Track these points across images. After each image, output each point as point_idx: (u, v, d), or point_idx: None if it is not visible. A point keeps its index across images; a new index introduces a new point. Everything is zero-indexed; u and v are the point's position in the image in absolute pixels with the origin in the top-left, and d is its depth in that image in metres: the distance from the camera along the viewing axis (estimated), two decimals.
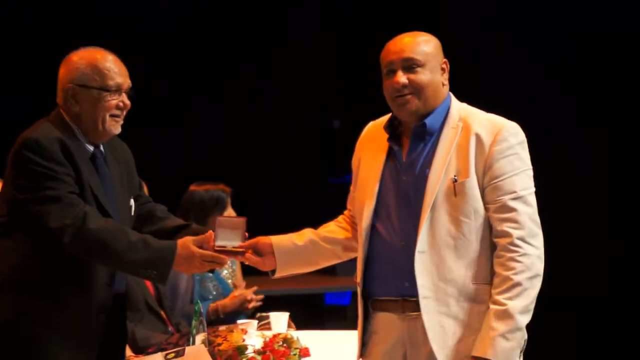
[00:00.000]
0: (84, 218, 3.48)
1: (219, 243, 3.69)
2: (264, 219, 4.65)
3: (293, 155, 8.84)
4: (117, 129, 3.70)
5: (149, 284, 4.95)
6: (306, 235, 3.81)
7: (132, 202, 3.81)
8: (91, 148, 3.69)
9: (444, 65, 3.59)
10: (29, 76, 7.50)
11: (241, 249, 3.71)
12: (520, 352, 3.43)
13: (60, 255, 3.52)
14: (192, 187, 5.60)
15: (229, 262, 5.61)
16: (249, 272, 5.72)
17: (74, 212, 3.49)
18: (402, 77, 3.51)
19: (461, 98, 3.64)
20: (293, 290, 8.33)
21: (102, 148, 3.75)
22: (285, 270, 3.80)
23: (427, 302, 3.44)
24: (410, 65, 3.52)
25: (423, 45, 3.54)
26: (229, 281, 5.73)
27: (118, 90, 3.66)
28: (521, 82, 7.70)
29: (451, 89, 3.63)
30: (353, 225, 3.79)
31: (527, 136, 3.54)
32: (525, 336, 3.43)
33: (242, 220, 3.78)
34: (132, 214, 3.82)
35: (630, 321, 7.71)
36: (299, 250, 3.77)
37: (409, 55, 3.52)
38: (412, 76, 3.51)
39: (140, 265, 3.55)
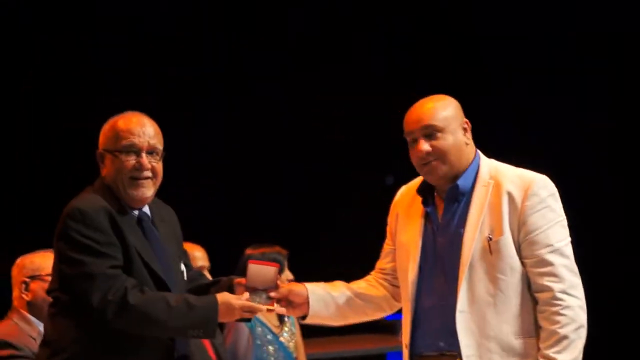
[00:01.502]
0: (125, 294, 3.48)
1: (250, 284, 3.72)
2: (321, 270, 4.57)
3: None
4: (142, 192, 3.64)
5: (209, 347, 4.91)
6: (340, 287, 3.87)
7: (183, 267, 3.80)
8: (135, 212, 3.68)
9: (465, 125, 3.65)
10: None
11: (270, 301, 3.73)
12: None
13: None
14: (248, 251, 5.59)
15: (288, 324, 5.60)
16: (308, 335, 5.70)
17: (115, 289, 3.48)
18: (424, 145, 3.58)
19: None
20: (355, 351, 8.28)
21: (147, 210, 3.72)
22: (316, 318, 3.84)
23: None
24: (430, 133, 3.58)
25: (441, 111, 3.60)
26: (291, 344, 5.67)
27: (133, 150, 3.62)
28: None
29: None
30: (383, 285, 3.86)
31: None
32: None
33: (274, 266, 3.76)
34: (185, 278, 3.83)
35: None
36: (334, 301, 3.83)
37: (428, 122, 3.58)
38: (434, 142, 3.58)
39: (187, 328, 3.56)
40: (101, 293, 3.45)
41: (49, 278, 3.80)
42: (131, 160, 3.61)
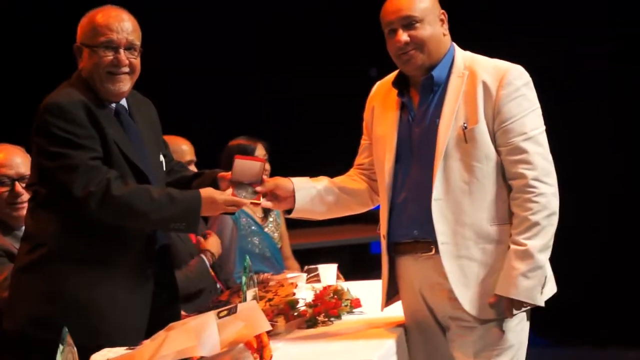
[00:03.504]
0: (107, 185, 3.50)
1: (235, 179, 3.76)
2: (302, 166, 4.58)
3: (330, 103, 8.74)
4: (119, 87, 3.63)
5: (192, 237, 4.93)
6: (325, 182, 3.92)
7: (162, 157, 3.81)
8: (113, 105, 3.69)
9: (442, 17, 3.67)
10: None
11: (256, 195, 3.77)
12: (542, 289, 3.53)
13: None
14: (231, 143, 5.63)
15: (273, 215, 5.62)
16: (293, 225, 5.73)
17: (97, 180, 3.50)
18: (403, 36, 3.61)
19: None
20: (339, 241, 8.33)
21: (124, 103, 3.72)
22: (302, 212, 3.89)
23: (445, 247, 3.56)
24: (409, 23, 3.61)
25: (419, 2, 3.62)
26: (275, 234, 5.71)
27: (111, 47, 3.60)
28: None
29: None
30: (364, 179, 3.92)
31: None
32: (546, 273, 3.55)
33: (259, 161, 3.78)
34: (164, 169, 3.85)
35: None
36: (319, 194, 3.87)
37: (407, 13, 3.61)
38: (412, 32, 3.61)
39: (169, 220, 3.59)
40: (83, 184, 3.47)
41: None
42: (109, 56, 3.60)
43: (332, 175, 3.98)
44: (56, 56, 7.37)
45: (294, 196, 3.83)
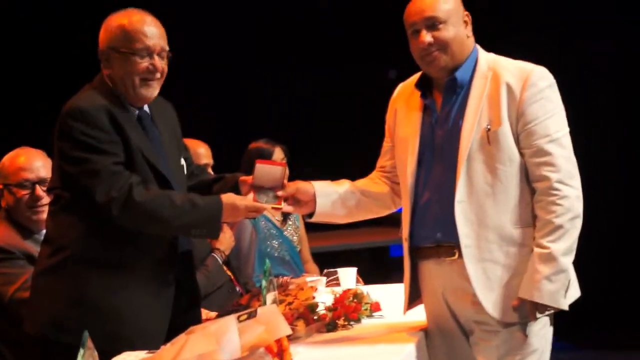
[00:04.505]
0: (130, 191, 3.50)
1: (256, 184, 3.74)
2: (319, 171, 4.57)
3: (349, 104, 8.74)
4: (151, 93, 3.64)
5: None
6: (346, 185, 3.89)
7: (182, 161, 3.82)
8: (136, 111, 3.68)
9: (466, 18, 3.65)
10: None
11: (277, 200, 3.76)
12: (565, 293, 3.49)
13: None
14: (252, 146, 5.62)
15: (292, 218, 5.61)
16: (312, 228, 5.72)
17: (119, 185, 3.50)
18: (426, 36, 3.58)
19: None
20: (358, 244, 8.30)
21: (147, 109, 3.72)
22: (323, 216, 3.87)
23: (469, 251, 3.52)
24: (433, 24, 3.58)
25: (443, 3, 3.59)
26: (295, 237, 5.70)
27: (147, 53, 3.61)
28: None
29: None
30: (386, 182, 3.89)
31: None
32: (569, 277, 3.51)
33: (281, 165, 3.76)
34: (185, 172, 3.85)
35: None
36: (340, 198, 3.85)
37: (430, 14, 3.58)
38: (436, 33, 3.58)
39: (191, 227, 3.59)
40: (105, 189, 3.47)
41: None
42: (145, 62, 3.60)
43: (351, 178, 3.96)
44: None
45: (315, 200, 3.81)
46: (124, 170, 3.52)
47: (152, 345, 3.21)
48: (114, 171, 3.50)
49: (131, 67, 3.58)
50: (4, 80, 7.20)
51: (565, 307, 3.50)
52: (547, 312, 3.52)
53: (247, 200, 3.67)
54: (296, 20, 8.89)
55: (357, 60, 8.81)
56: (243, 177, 3.84)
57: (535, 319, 3.50)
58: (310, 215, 3.86)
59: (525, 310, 3.48)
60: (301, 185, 3.84)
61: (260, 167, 3.76)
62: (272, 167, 3.80)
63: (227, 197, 3.64)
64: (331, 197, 3.83)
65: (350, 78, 8.83)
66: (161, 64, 3.63)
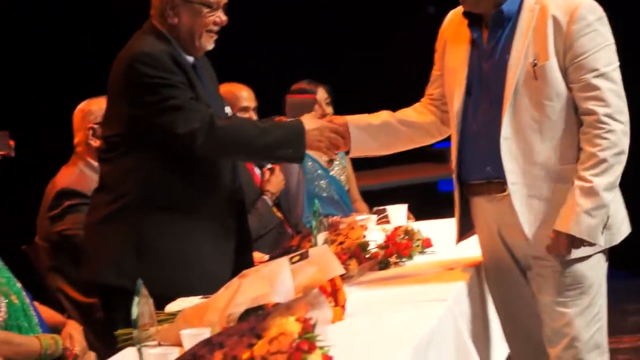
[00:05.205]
0: (211, 119, 3.53)
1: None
2: (360, 104, 4.53)
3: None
4: (211, 45, 3.73)
5: (258, 182, 4.95)
6: (382, 116, 3.84)
7: (227, 109, 3.82)
8: (191, 59, 3.72)
9: None
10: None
11: None
12: (603, 229, 3.45)
13: (184, 164, 3.57)
14: (292, 87, 5.51)
15: (338, 157, 5.59)
16: (359, 167, 5.68)
17: (200, 115, 3.53)
18: None
19: None
20: (405, 180, 8.27)
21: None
22: (360, 150, 3.84)
23: (515, 188, 3.49)
24: None
25: None
26: (342, 177, 5.68)
27: (217, 6, 3.68)
28: None
29: None
30: (432, 110, 3.84)
31: None
32: (609, 212, 3.46)
33: (310, 97, 3.75)
34: None
35: None
36: (375, 130, 3.80)
37: None
38: None
39: (275, 146, 3.61)
40: (186, 121, 3.51)
41: None
42: (214, 16, 3.67)
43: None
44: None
45: (349, 135, 3.78)
46: (201, 104, 3.58)
47: (214, 290, 3.23)
48: (193, 104, 3.54)
49: (201, 19, 3.65)
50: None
51: (602, 243, 3.45)
52: (588, 247, 3.45)
53: (329, 123, 3.72)
54: None
55: None
56: (279, 118, 3.85)
57: (569, 254, 3.45)
58: (347, 152, 3.84)
59: (559, 245, 3.43)
60: (334, 119, 3.83)
61: (291, 101, 3.78)
62: (302, 99, 3.80)
63: (307, 119, 3.70)
64: (367, 130, 3.79)
65: (390, 14, 8.74)
66: (225, 17, 3.70)
